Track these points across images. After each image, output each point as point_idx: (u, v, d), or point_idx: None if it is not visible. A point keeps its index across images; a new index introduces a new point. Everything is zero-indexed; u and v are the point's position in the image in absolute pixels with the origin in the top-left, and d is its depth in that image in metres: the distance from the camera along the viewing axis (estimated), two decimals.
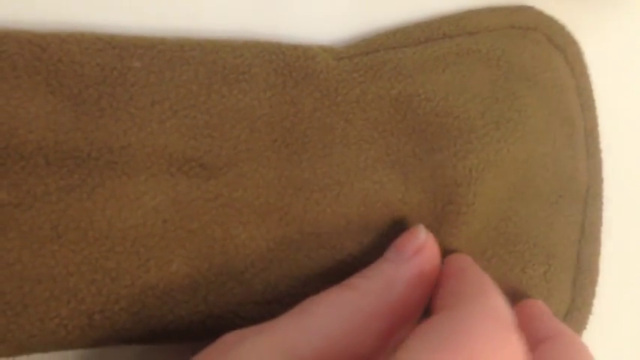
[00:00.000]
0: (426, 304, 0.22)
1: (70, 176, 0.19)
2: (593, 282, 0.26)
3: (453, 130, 0.23)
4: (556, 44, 0.26)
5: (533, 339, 0.22)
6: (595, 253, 0.26)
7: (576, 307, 0.25)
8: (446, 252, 0.23)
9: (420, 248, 0.22)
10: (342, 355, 0.19)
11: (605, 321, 0.26)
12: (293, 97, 0.22)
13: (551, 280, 0.25)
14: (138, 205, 0.20)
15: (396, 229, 0.23)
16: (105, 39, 0.20)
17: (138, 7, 0.21)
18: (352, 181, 0.22)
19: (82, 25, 0.21)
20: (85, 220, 0.19)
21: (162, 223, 0.20)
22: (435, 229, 0.23)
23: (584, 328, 0.25)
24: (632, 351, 0.27)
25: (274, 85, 0.22)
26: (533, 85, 0.25)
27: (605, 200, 0.26)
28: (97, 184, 0.19)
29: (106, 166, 0.20)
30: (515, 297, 0.24)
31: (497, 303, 0.19)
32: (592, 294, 0.26)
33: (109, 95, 0.20)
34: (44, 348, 0.19)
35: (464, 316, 0.18)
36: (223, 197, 0.21)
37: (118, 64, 0.20)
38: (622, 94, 0.28)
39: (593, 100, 0.27)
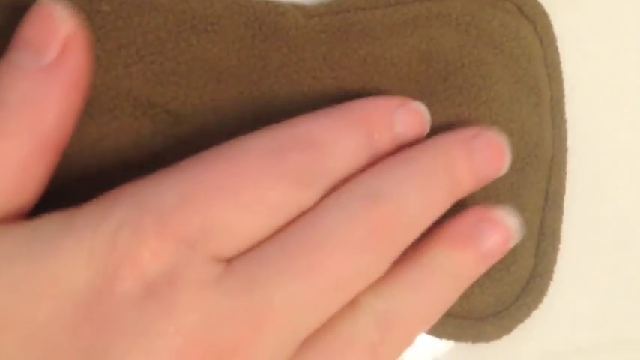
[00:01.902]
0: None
1: None
2: (555, 249, 0.27)
3: (414, 93, 0.24)
4: (526, 15, 0.27)
5: None
6: (557, 221, 0.27)
7: (538, 274, 0.26)
8: None
9: (66, 43, 0.18)
10: (11, 215, 0.18)
11: (566, 287, 0.27)
12: (261, 51, 0.23)
13: (517, 246, 0.26)
14: (100, 145, 0.20)
15: None
16: None
17: None
18: None
19: None
20: None
21: (123, 165, 0.21)
22: None
23: (545, 293, 0.26)
24: (591, 316, 0.28)
25: (243, 38, 0.22)
26: (500, 52, 0.26)
27: (568, 169, 0.27)
28: None
29: None
30: None
31: None
32: (553, 261, 0.27)
33: None
34: None
35: None
36: (187, 144, 0.21)
37: (87, 6, 0.20)
38: (590, 66, 0.29)
39: (560, 72, 0.28)
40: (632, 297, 0.29)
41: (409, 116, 0.22)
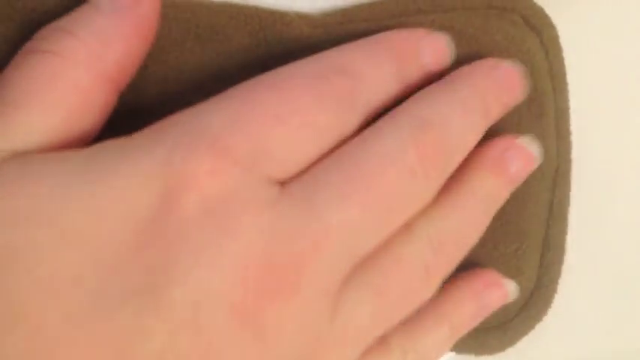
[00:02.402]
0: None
1: None
2: (559, 261, 0.27)
3: None
4: (532, 26, 0.27)
5: None
6: (562, 232, 0.27)
7: (543, 285, 0.26)
8: None
9: None
10: (70, 141, 0.19)
11: (570, 299, 0.27)
12: (264, 61, 0.23)
13: (522, 257, 0.26)
14: None
15: None
16: None
17: None
18: None
19: None
20: None
21: None
22: None
23: (549, 306, 0.26)
24: (595, 328, 0.28)
25: (247, 47, 0.23)
26: None
27: (572, 181, 0.27)
28: None
29: None
30: None
31: None
32: (558, 272, 0.27)
33: None
34: None
35: None
36: None
37: None
38: (596, 77, 0.29)
39: (565, 83, 0.28)
40: (634, 308, 0.29)
41: (434, 46, 0.24)
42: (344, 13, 0.25)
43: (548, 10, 0.28)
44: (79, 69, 0.19)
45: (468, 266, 0.25)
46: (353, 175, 0.19)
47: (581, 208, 0.27)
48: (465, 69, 0.24)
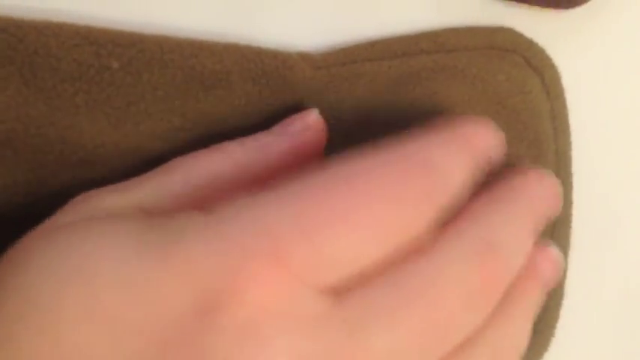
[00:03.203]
0: None
1: (40, 170, 0.20)
2: (557, 306, 0.27)
3: None
4: (534, 67, 0.28)
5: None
6: (561, 277, 0.27)
7: (539, 330, 0.27)
8: None
9: (306, 126, 0.22)
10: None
11: (568, 345, 0.27)
12: (267, 106, 0.23)
13: None
14: None
15: None
16: (82, 33, 0.20)
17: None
18: None
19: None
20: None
21: None
22: None
23: (546, 350, 0.27)
24: None
25: (250, 93, 0.23)
26: (503, 108, 0.26)
27: (575, 223, 0.28)
28: (68, 181, 0.20)
29: (78, 164, 0.20)
30: None
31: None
32: (556, 317, 0.27)
33: (85, 93, 0.20)
34: None
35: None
36: None
37: (96, 62, 0.20)
38: (599, 117, 0.29)
39: (567, 124, 0.28)
40: (635, 351, 0.29)
41: (494, 137, 0.22)
42: (346, 53, 0.25)
43: (550, 52, 0.28)
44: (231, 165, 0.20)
45: None
46: (411, 300, 0.18)
47: (582, 251, 0.28)
48: (517, 181, 0.23)
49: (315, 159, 0.22)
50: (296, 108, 0.23)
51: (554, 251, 0.24)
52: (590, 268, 0.28)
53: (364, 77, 0.25)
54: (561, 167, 0.28)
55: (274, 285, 0.17)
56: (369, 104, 0.24)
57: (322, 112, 0.24)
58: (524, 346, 0.22)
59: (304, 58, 0.24)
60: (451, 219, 0.20)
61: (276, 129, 0.22)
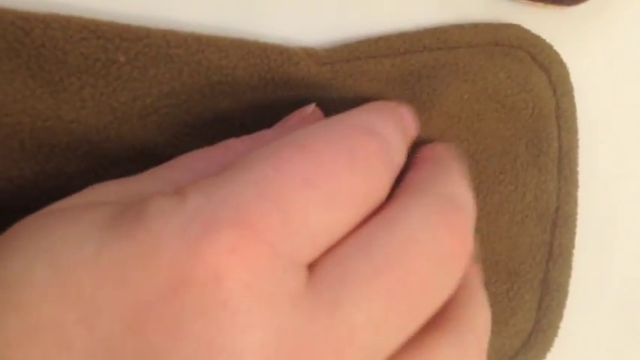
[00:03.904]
0: None
1: (46, 163, 0.20)
2: (560, 304, 0.27)
3: None
4: (540, 64, 0.28)
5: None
6: (564, 275, 0.27)
7: (541, 329, 0.27)
8: None
9: (304, 119, 0.22)
10: None
11: (572, 343, 0.27)
12: (272, 102, 0.23)
13: (514, 298, 0.26)
14: None
15: None
16: (90, 27, 0.21)
17: None
18: None
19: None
20: None
21: None
22: None
23: (549, 350, 0.27)
24: None
25: (256, 88, 0.23)
26: (502, 107, 0.27)
27: (581, 221, 0.28)
28: (74, 174, 0.20)
29: (83, 158, 0.20)
30: None
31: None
32: (559, 316, 0.27)
33: (92, 86, 0.20)
34: None
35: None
36: None
37: (102, 56, 0.21)
38: (604, 113, 0.29)
39: (573, 122, 0.28)
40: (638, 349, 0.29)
41: (411, 119, 0.23)
42: (350, 50, 0.25)
43: (558, 48, 0.28)
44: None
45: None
46: (383, 265, 0.18)
47: (586, 249, 0.28)
48: (436, 150, 0.24)
49: None
50: (301, 104, 0.24)
51: None
52: (594, 267, 0.28)
53: (367, 74, 0.25)
54: (564, 166, 0.28)
55: (244, 255, 0.16)
56: (371, 100, 0.24)
57: (326, 108, 0.24)
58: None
59: (309, 54, 0.24)
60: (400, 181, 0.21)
61: (277, 126, 0.22)
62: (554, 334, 0.27)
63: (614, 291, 0.29)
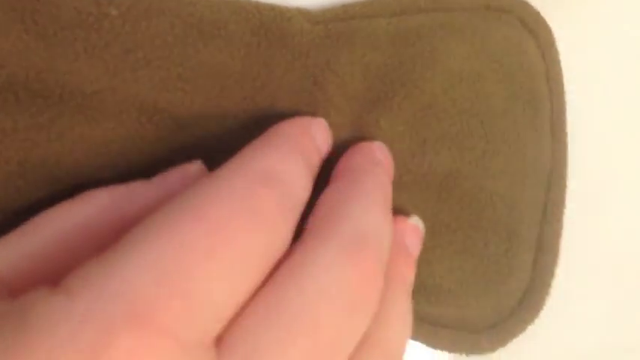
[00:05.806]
0: None
1: (39, 115, 0.20)
2: (552, 263, 0.28)
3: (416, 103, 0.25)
4: (529, 29, 0.28)
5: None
6: (556, 234, 0.28)
7: (535, 288, 0.27)
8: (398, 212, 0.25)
9: (186, 178, 0.21)
10: (56, 271, 0.17)
11: (563, 302, 0.28)
12: (266, 58, 0.23)
13: (513, 258, 0.27)
14: (105, 150, 0.21)
15: None
16: None
17: None
18: None
19: None
20: (51, 160, 0.20)
21: (127, 171, 0.21)
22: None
23: (542, 308, 0.27)
24: (589, 331, 0.29)
25: (249, 44, 0.23)
26: (500, 67, 0.27)
27: (568, 183, 0.28)
28: (66, 126, 0.21)
29: (76, 110, 0.21)
30: None
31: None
32: (551, 275, 0.28)
33: (84, 40, 0.21)
34: None
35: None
36: (190, 151, 0.22)
37: (95, 10, 0.21)
38: (592, 77, 0.30)
39: (562, 85, 0.29)
40: (632, 306, 0.30)
41: (322, 130, 0.23)
42: (344, 9, 0.25)
43: (544, 14, 0.28)
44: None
45: (460, 263, 0.26)
46: (295, 329, 0.17)
47: (576, 209, 0.28)
48: (353, 162, 0.24)
49: None
50: (293, 63, 0.24)
51: (413, 221, 0.25)
52: (586, 224, 0.29)
53: (361, 32, 0.25)
54: (557, 127, 0.28)
55: (144, 352, 0.15)
56: (367, 59, 0.25)
57: (319, 68, 0.24)
58: (410, 324, 0.22)
59: (302, 12, 0.24)
60: (305, 221, 0.20)
61: (155, 180, 0.21)
62: (547, 292, 0.27)
63: (604, 245, 0.29)
